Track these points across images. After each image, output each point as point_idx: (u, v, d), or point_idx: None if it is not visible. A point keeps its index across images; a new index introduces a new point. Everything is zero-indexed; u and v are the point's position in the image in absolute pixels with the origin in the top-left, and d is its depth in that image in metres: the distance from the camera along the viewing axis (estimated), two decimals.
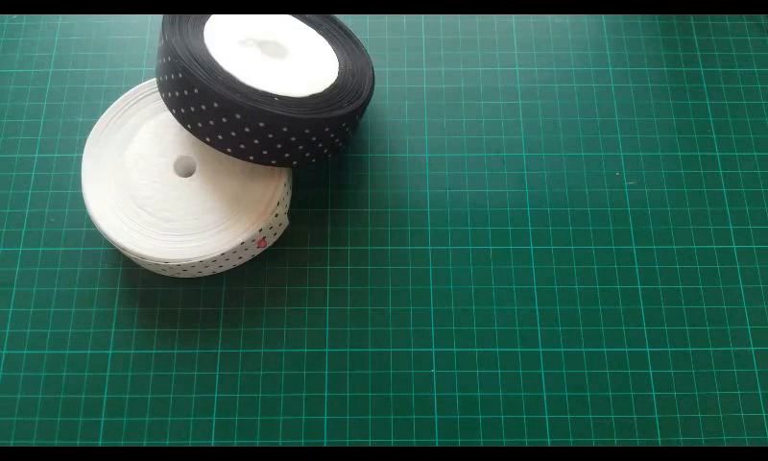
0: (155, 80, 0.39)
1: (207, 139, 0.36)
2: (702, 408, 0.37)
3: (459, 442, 0.36)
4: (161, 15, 0.45)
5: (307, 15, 0.43)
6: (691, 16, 0.46)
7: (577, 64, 0.44)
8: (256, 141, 0.35)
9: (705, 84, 0.44)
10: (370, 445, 0.36)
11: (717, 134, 0.43)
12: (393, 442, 0.36)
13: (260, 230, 0.37)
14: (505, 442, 0.36)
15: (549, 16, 0.46)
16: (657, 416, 0.36)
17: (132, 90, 0.39)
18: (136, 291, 0.39)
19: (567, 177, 0.41)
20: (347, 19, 0.46)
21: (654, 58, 0.45)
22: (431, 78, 0.44)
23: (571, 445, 0.36)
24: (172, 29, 0.36)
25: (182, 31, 0.36)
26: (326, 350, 0.38)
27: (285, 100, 0.36)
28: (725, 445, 0.36)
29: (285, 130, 0.35)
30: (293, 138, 0.35)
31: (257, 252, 0.39)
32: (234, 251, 0.36)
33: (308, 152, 0.37)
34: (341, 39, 0.43)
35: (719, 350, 0.38)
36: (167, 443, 0.36)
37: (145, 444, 0.36)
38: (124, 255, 0.39)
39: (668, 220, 0.41)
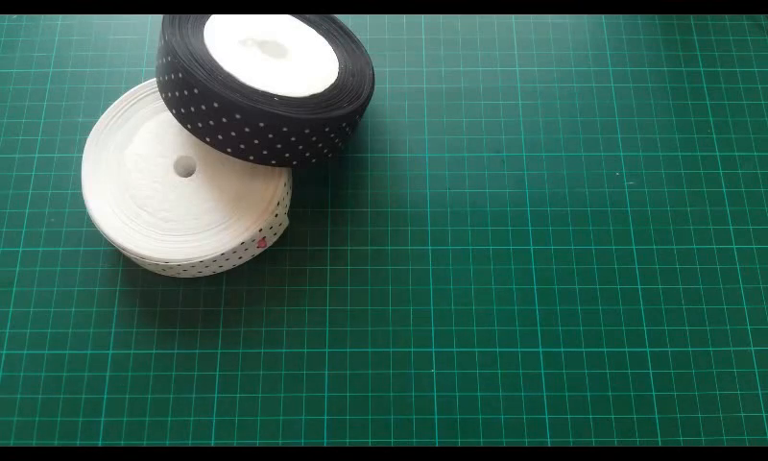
0: (155, 80, 0.39)
1: (207, 139, 0.36)
2: (702, 408, 0.37)
3: (459, 442, 0.36)
4: (161, 15, 0.45)
5: (307, 15, 0.43)
6: (691, 16, 0.46)
7: (577, 64, 0.44)
8: (256, 141, 0.35)
9: (705, 85, 0.44)
10: (370, 445, 0.36)
11: (717, 134, 0.43)
12: (393, 442, 0.36)
13: (260, 230, 0.37)
14: (505, 442, 0.36)
15: (549, 16, 0.46)
16: (657, 416, 0.36)
17: (131, 90, 0.39)
18: (136, 291, 0.39)
19: (567, 177, 0.41)
20: (347, 19, 0.46)
21: (654, 58, 0.45)
22: (431, 78, 0.44)
23: (571, 445, 0.36)
24: (172, 29, 0.36)
25: (182, 31, 0.36)
26: (326, 350, 0.38)
27: (285, 100, 0.36)
28: (725, 445, 0.36)
29: (285, 130, 0.35)
30: (293, 138, 0.35)
31: (257, 252, 0.39)
32: (234, 251, 0.36)
33: (308, 152, 0.37)
34: (341, 39, 0.43)
35: (719, 350, 0.38)
36: (167, 443, 0.36)
37: (145, 444, 0.36)
38: (124, 255, 0.39)
39: (668, 220, 0.41)
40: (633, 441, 0.36)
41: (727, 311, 0.39)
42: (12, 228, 0.40)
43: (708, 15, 0.46)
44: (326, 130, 0.36)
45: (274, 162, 0.36)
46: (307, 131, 0.35)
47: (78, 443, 0.36)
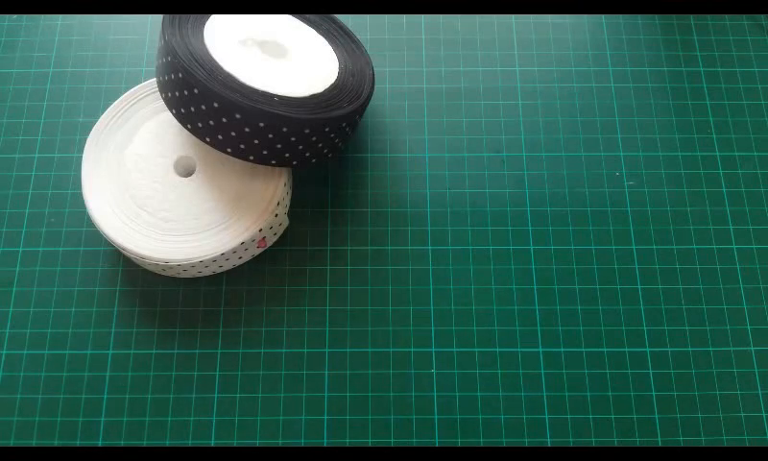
0: (155, 80, 0.39)
1: (207, 139, 0.36)
2: (702, 408, 0.37)
3: (459, 442, 0.36)
4: (161, 15, 0.45)
5: (307, 15, 0.43)
6: (691, 16, 0.46)
7: (577, 64, 0.44)
8: (256, 141, 0.35)
9: (705, 85, 0.44)
10: (370, 445, 0.36)
11: (717, 134, 0.43)
12: (393, 442, 0.36)
13: (260, 230, 0.37)
14: (505, 442, 0.36)
15: (549, 16, 0.46)
16: (657, 416, 0.36)
17: (131, 90, 0.39)
18: (136, 291, 0.39)
19: (567, 177, 0.41)
20: (347, 19, 0.46)
21: (654, 58, 0.45)
22: (431, 78, 0.44)
23: (571, 445, 0.36)
24: (172, 29, 0.36)
25: (182, 31, 0.36)
26: (326, 350, 0.38)
27: (285, 100, 0.36)
28: (725, 445, 0.36)
29: (285, 130, 0.35)
30: (293, 138, 0.35)
31: (257, 252, 0.39)
32: (234, 251, 0.36)
33: (308, 152, 0.37)
34: (341, 39, 0.43)
35: (719, 350, 0.38)
36: (167, 443, 0.36)
37: (145, 444, 0.36)
38: (124, 255, 0.39)
39: (668, 220, 0.41)
40: (633, 441, 0.36)
41: (727, 311, 0.39)
42: (12, 228, 0.40)
43: (708, 15, 0.46)
44: (326, 130, 0.36)
45: (274, 162, 0.36)
46: (307, 131, 0.35)
47: (78, 443, 0.36)
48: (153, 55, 0.45)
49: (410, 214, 0.41)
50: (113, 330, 0.38)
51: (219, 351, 0.38)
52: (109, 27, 0.45)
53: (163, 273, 0.39)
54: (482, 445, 0.36)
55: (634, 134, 0.43)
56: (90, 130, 0.42)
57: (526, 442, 0.36)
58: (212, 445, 0.36)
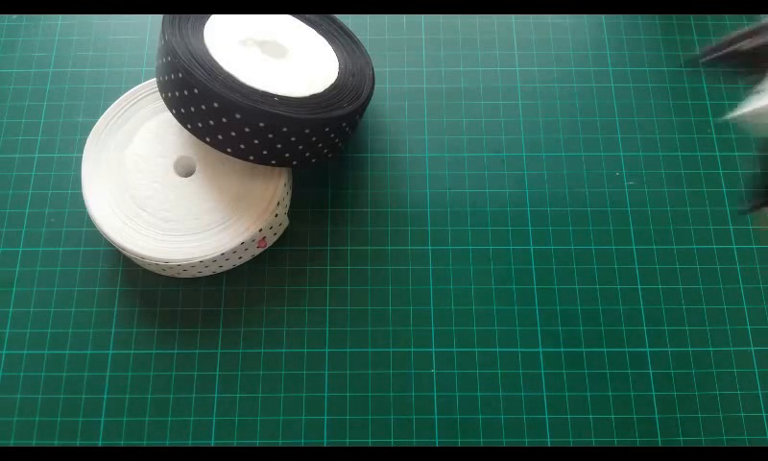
0: (155, 80, 0.39)
1: (207, 139, 0.36)
2: (702, 408, 0.37)
3: (459, 442, 0.36)
4: (161, 15, 0.45)
5: (307, 15, 0.43)
6: (691, 16, 0.46)
7: (577, 64, 0.44)
8: (256, 141, 0.35)
9: (705, 85, 0.44)
10: (370, 445, 0.36)
11: (717, 134, 0.43)
12: (393, 442, 0.36)
13: (260, 230, 0.37)
14: (505, 442, 0.36)
15: (549, 16, 0.46)
16: (657, 416, 0.36)
17: (132, 90, 0.39)
18: (136, 291, 0.39)
19: (567, 177, 0.41)
20: (347, 19, 0.46)
21: (654, 58, 0.45)
22: (431, 78, 0.44)
23: (571, 445, 0.36)
24: (172, 29, 0.36)
25: (182, 31, 0.36)
26: (326, 350, 0.38)
27: (285, 100, 0.36)
28: (725, 445, 0.36)
29: (285, 130, 0.35)
30: (293, 138, 0.35)
31: (257, 252, 0.39)
32: (234, 251, 0.36)
33: (308, 152, 0.37)
34: (341, 39, 0.43)
35: (719, 350, 0.38)
36: (167, 443, 0.36)
37: (145, 444, 0.36)
38: (124, 255, 0.39)
39: (668, 220, 0.41)
40: (633, 441, 0.36)
41: (727, 311, 0.39)
42: (12, 228, 0.40)
43: (708, 15, 0.46)
44: (326, 130, 0.36)
45: (274, 162, 0.36)
46: (307, 131, 0.35)
47: (78, 443, 0.36)
48: (153, 55, 0.45)
49: (410, 214, 0.41)
50: (113, 330, 0.38)
51: (219, 351, 0.38)
52: (109, 27, 0.45)
53: (163, 273, 0.39)
54: (482, 445, 0.36)
55: (634, 134, 0.43)
56: (90, 130, 0.42)
57: (526, 442, 0.36)
58: (212, 445, 0.36)
